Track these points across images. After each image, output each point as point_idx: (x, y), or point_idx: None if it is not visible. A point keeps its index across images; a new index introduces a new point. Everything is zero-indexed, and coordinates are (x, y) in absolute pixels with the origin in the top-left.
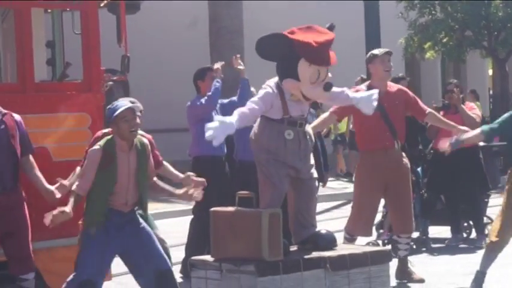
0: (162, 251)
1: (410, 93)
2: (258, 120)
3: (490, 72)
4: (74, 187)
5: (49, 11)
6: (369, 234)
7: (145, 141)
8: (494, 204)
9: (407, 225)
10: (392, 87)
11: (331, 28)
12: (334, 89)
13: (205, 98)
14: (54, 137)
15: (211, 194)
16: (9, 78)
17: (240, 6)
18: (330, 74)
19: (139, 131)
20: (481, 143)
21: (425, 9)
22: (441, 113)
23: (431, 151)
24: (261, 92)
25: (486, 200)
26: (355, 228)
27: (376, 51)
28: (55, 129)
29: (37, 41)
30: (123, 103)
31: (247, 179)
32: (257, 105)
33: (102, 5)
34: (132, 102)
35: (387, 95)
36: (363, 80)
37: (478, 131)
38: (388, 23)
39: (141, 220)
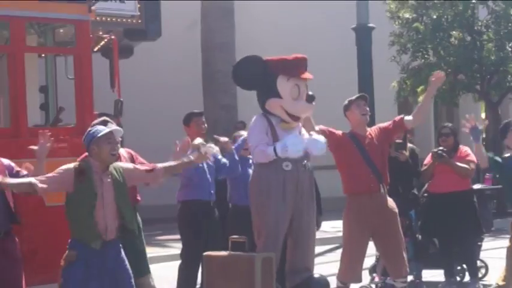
0: None
1: (381, 124)
2: (256, 165)
3: (483, 115)
4: (33, 180)
5: (42, 55)
6: (360, 280)
7: (122, 166)
8: (488, 248)
9: (402, 269)
10: (370, 130)
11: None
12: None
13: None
14: None
15: (198, 238)
16: (3, 123)
17: (233, 50)
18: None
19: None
20: (475, 186)
21: (418, 53)
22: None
23: (425, 194)
24: (253, 128)
25: (480, 243)
26: (347, 276)
27: (350, 98)
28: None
29: (30, 85)
30: (104, 127)
31: (240, 223)
32: (263, 140)
33: (95, 49)
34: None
35: (367, 138)
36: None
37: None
38: (380, 66)
39: (123, 258)
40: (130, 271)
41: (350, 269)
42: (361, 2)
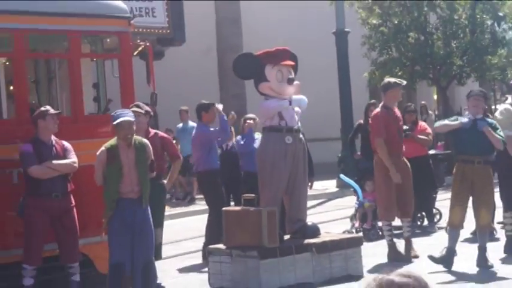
0: (153, 245)
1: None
2: (262, 137)
3: (435, 97)
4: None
5: (94, 59)
6: (394, 218)
7: (145, 141)
8: (441, 199)
9: (409, 211)
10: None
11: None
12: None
13: (218, 129)
14: None
15: (217, 198)
16: (65, 112)
17: (241, 51)
18: (297, 82)
19: (159, 132)
20: (431, 152)
21: (383, 50)
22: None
23: None
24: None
25: (434, 195)
26: (387, 215)
27: (394, 80)
28: None
29: (86, 83)
30: (125, 113)
31: (251, 185)
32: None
33: (135, 53)
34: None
35: (396, 112)
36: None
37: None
38: (355, 60)
39: (149, 214)
40: (153, 226)
41: (390, 210)
42: (339, 12)
